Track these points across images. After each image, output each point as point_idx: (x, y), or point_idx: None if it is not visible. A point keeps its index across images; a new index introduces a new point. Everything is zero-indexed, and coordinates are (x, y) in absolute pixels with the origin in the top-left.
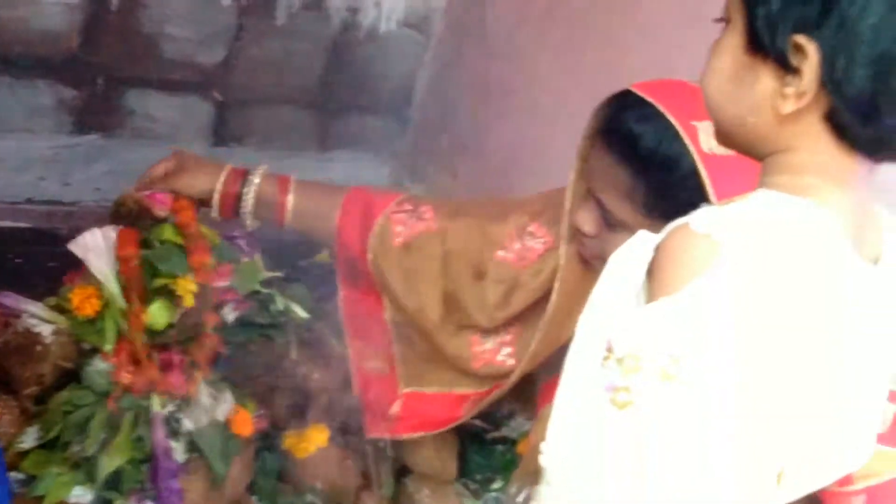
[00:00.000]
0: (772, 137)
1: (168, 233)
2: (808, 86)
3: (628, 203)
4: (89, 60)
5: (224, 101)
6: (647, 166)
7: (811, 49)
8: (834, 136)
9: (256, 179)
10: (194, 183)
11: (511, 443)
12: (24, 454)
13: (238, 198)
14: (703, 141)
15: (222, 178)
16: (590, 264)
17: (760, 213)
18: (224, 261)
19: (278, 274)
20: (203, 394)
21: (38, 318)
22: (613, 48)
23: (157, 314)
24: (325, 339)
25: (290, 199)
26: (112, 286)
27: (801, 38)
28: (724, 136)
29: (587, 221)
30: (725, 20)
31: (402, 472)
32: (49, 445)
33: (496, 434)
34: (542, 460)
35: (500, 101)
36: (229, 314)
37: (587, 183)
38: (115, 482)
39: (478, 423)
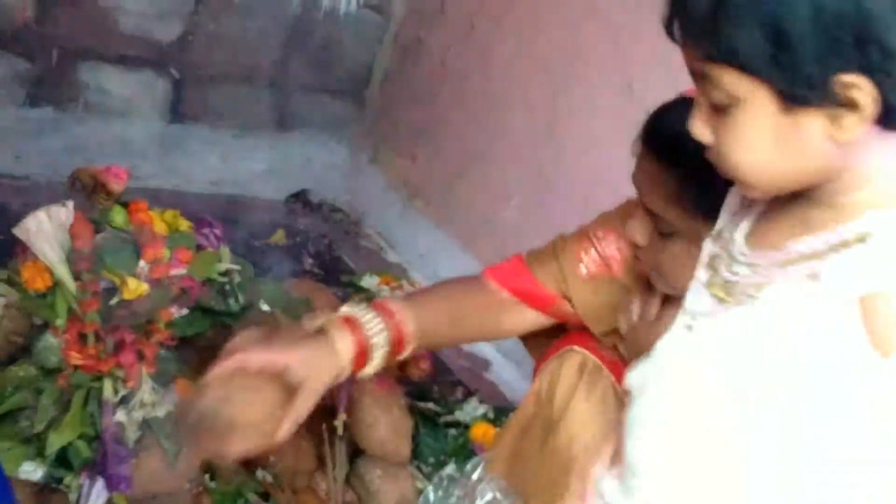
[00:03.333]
0: (835, 163)
1: (119, 218)
2: (869, 110)
3: (677, 208)
4: (43, 32)
5: (180, 78)
6: (694, 166)
7: (862, 82)
8: (880, 130)
9: (371, 327)
10: (320, 374)
11: (464, 427)
12: None
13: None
14: None
15: (343, 352)
16: None
17: None
18: (183, 247)
19: (237, 267)
20: (146, 390)
21: None
22: (569, 34)
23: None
24: (282, 322)
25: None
26: (59, 269)
27: (848, 77)
28: (778, 189)
29: (637, 231)
30: (723, 105)
31: (355, 453)
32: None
33: (449, 418)
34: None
35: (458, 85)
36: (183, 308)
37: (636, 193)
38: (65, 459)
39: (431, 406)
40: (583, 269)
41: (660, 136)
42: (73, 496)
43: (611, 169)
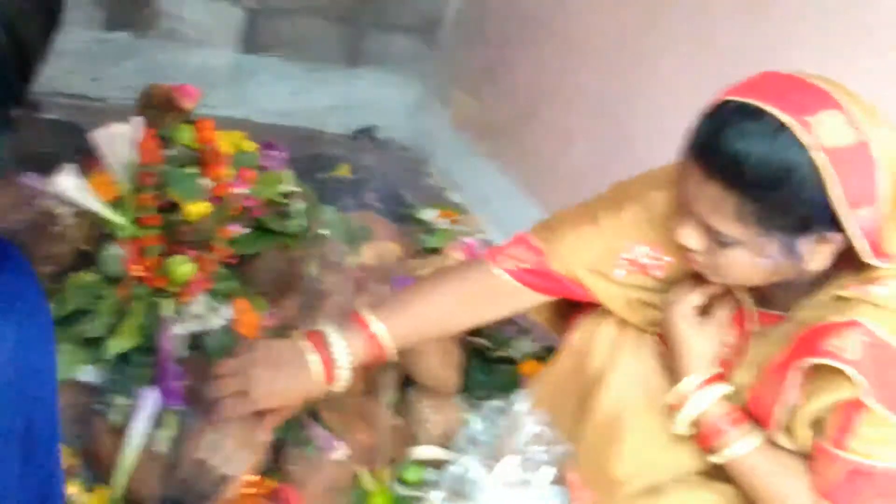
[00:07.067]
0: None
1: (186, 136)
2: None
3: (739, 224)
4: None
5: (256, 9)
6: (758, 185)
7: None
8: None
9: (335, 342)
10: (294, 389)
11: (514, 363)
12: None
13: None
14: (823, 136)
15: (313, 367)
16: None
17: None
18: (247, 166)
19: (298, 189)
20: (200, 304)
21: (59, 200)
22: None
23: (180, 269)
24: (338, 246)
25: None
26: (124, 183)
27: None
28: None
29: (693, 242)
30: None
31: (405, 381)
32: (62, 323)
33: (500, 353)
34: None
35: (529, 26)
36: (245, 227)
37: (685, 202)
38: (121, 367)
39: (483, 341)
40: (618, 273)
41: (720, 156)
42: (128, 404)
43: (681, 117)
